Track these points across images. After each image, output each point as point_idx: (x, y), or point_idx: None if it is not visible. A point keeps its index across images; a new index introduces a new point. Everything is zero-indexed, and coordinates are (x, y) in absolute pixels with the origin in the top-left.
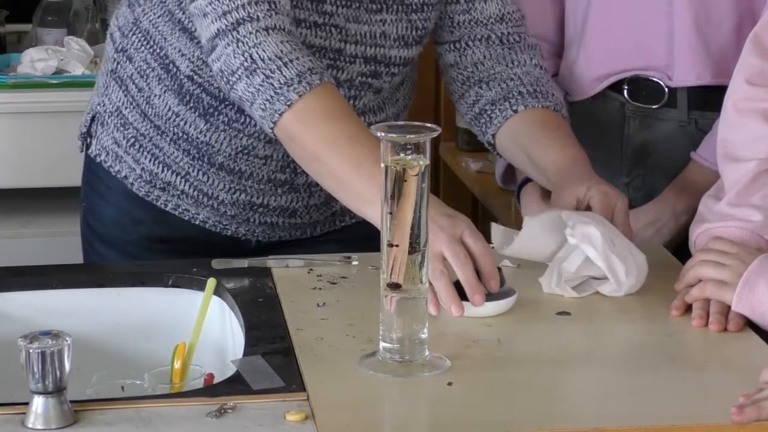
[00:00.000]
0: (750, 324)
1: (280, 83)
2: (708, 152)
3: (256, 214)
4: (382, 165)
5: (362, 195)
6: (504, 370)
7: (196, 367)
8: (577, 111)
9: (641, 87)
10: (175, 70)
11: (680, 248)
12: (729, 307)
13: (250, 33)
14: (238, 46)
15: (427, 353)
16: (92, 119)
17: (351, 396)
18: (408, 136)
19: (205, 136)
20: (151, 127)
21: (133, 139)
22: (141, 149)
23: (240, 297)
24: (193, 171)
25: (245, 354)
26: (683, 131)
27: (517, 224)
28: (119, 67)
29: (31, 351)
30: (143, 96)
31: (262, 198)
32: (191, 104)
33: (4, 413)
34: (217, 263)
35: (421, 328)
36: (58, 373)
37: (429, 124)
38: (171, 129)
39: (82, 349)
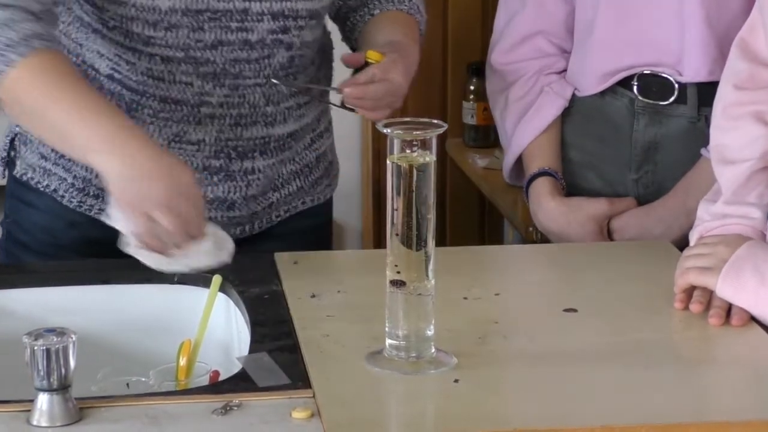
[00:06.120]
0: (754, 319)
1: (4, 44)
2: None
3: None
4: (389, 162)
5: (84, 145)
6: (511, 367)
7: (202, 364)
8: (586, 106)
9: (651, 83)
10: (94, 73)
11: None
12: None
13: None
14: None
15: (433, 350)
16: (11, 141)
17: (357, 393)
18: (414, 132)
19: None
20: None
21: None
22: (72, 158)
23: (246, 293)
24: None
25: (251, 351)
26: (693, 128)
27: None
28: None
29: (35, 348)
30: None
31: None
32: (114, 102)
33: (8, 410)
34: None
35: (427, 325)
36: (62, 371)
37: (435, 120)
38: None
39: (87, 346)
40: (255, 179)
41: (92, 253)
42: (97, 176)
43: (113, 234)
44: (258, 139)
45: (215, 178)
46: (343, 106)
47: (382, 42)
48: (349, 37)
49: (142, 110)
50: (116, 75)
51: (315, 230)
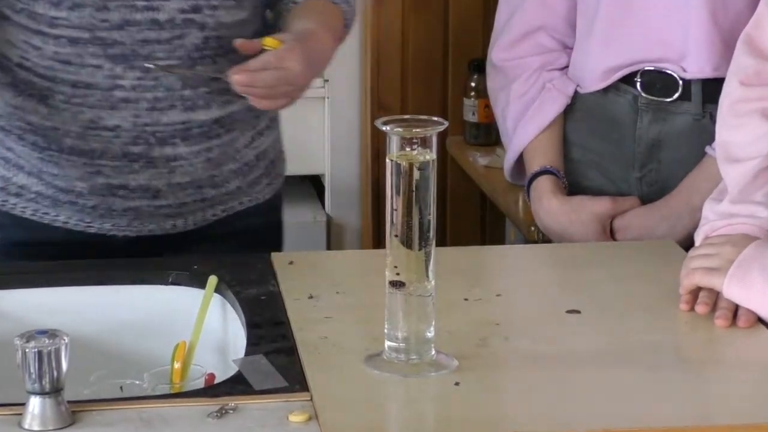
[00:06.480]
0: (761, 320)
1: None
2: None
3: (117, 200)
4: (388, 160)
5: None
6: (512, 369)
7: (197, 366)
8: (589, 103)
9: (654, 79)
10: (6, 62)
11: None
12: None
13: None
14: None
15: (433, 352)
16: None
17: (355, 396)
18: (414, 130)
19: (48, 120)
20: None
21: None
22: None
23: (242, 294)
24: (45, 167)
25: (247, 353)
26: (698, 125)
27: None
28: None
29: (27, 350)
30: None
31: (121, 178)
32: (27, 92)
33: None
34: None
35: (427, 327)
36: (55, 373)
37: (436, 118)
38: (14, 125)
39: (79, 348)
40: (178, 166)
41: (16, 256)
42: (16, 173)
43: (39, 235)
44: (178, 125)
45: (136, 165)
46: (235, 94)
47: (294, 30)
48: (275, 27)
49: (55, 97)
50: (26, 63)
51: (258, 231)
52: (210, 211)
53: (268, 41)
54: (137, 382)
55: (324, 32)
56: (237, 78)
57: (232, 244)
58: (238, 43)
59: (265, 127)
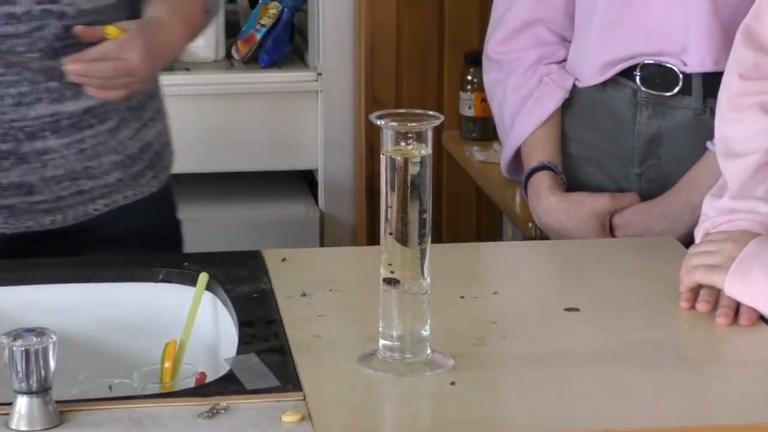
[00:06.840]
0: (763, 318)
1: None
2: None
3: None
4: (382, 156)
5: None
6: (510, 368)
7: (188, 365)
8: (587, 98)
9: (654, 73)
10: None
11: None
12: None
13: None
14: None
15: (429, 351)
16: None
17: (349, 396)
18: (409, 125)
19: None
20: None
21: None
22: None
23: (233, 292)
24: None
25: (239, 352)
26: (698, 120)
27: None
28: None
29: (14, 349)
30: None
31: None
32: None
33: None
34: None
35: (422, 326)
36: (42, 372)
37: (431, 112)
38: None
39: (68, 346)
40: (51, 159)
41: None
42: None
43: None
44: (47, 117)
45: (6, 163)
46: (70, 82)
47: (144, 18)
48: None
49: None
50: None
51: (148, 228)
52: (91, 206)
53: (111, 30)
54: (126, 382)
55: (174, 21)
56: (72, 68)
57: (119, 241)
58: (79, 30)
59: (149, 119)
